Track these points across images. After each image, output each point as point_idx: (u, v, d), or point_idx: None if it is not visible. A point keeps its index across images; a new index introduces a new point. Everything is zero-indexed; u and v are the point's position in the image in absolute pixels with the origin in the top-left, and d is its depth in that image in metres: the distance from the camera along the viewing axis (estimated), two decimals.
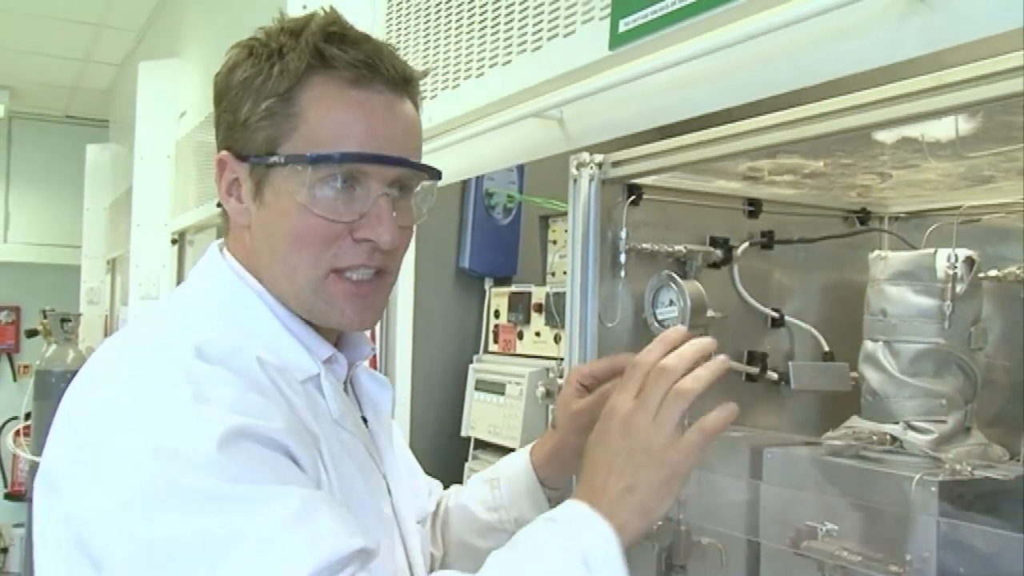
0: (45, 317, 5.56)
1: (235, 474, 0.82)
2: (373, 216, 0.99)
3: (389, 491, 1.10)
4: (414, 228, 1.08)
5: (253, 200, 1.02)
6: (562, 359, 1.51)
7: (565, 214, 1.50)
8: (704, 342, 1.00)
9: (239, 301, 1.03)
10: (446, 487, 1.40)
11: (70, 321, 5.28)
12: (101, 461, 0.85)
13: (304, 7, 1.08)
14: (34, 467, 4.64)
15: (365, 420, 1.14)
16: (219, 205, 1.08)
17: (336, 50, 0.98)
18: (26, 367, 7.16)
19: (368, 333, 1.19)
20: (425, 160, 1.06)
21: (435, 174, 1.07)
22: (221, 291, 1.05)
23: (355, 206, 0.99)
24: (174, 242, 4.02)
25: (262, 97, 0.99)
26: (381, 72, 0.99)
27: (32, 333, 6.09)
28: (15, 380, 7.24)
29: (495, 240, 2.48)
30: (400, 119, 1.02)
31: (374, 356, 2.16)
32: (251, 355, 0.94)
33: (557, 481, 1.29)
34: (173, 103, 3.99)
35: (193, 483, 0.81)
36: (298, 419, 0.94)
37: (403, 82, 1.02)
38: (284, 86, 0.98)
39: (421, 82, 1.10)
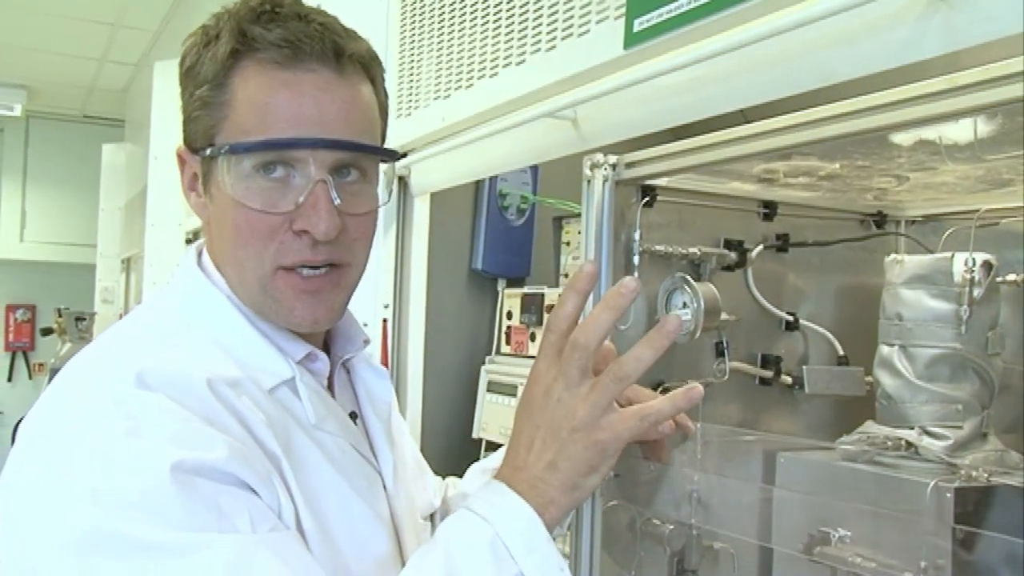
0: (60, 316, 5.62)
1: (167, 517, 0.79)
2: (309, 205, 0.93)
3: (385, 488, 1.06)
4: (378, 215, 1.03)
5: (206, 195, 0.99)
6: None
7: (579, 215, 1.49)
8: (622, 286, 0.91)
9: (206, 305, 1.00)
10: None
11: (84, 320, 5.33)
12: (34, 506, 0.82)
13: None
14: None
15: (357, 416, 1.10)
16: None
17: (260, 30, 0.93)
18: (41, 365, 7.22)
19: (360, 323, 1.15)
20: (440, 160, 1.04)
21: (384, 154, 1.01)
22: (189, 297, 1.01)
23: (291, 195, 0.93)
24: (188, 242, 4.03)
25: (196, 86, 0.95)
26: (305, 50, 0.93)
27: (47, 331, 6.15)
28: (30, 378, 7.30)
29: (508, 241, 2.47)
30: (336, 98, 0.95)
31: (385, 353, 2.15)
32: (199, 377, 0.89)
33: None
34: None
35: (123, 530, 0.78)
36: (253, 441, 0.89)
37: (335, 57, 0.95)
38: (212, 72, 0.94)
39: (430, 81, 1.07)
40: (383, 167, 1.03)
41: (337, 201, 0.94)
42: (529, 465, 0.89)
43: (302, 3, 0.98)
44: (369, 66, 1.00)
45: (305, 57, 0.93)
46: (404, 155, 1.01)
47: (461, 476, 1.43)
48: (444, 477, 1.40)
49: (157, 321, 1.00)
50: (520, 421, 0.93)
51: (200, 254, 1.05)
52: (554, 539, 0.90)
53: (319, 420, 0.99)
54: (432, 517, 1.27)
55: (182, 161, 1.01)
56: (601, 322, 0.90)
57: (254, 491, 0.85)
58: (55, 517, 0.80)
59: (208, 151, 0.95)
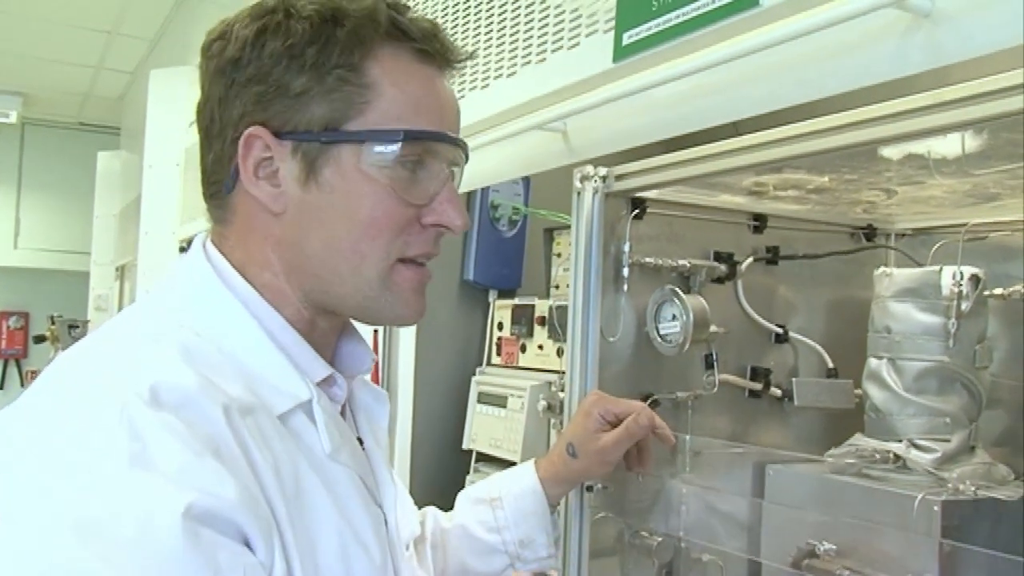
0: (53, 323, 5.60)
1: (161, 569, 0.69)
2: (444, 199, 0.93)
3: (386, 523, 0.98)
4: None
5: (302, 183, 0.89)
6: (564, 373, 1.50)
7: (570, 227, 1.49)
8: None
9: (219, 312, 0.91)
10: (446, 499, 1.38)
11: (78, 327, 5.31)
12: (9, 527, 0.71)
13: None
14: None
15: (361, 441, 1.02)
16: (209, 191, 0.95)
17: (408, 21, 0.91)
18: (33, 373, 7.19)
19: (370, 342, 1.12)
20: None
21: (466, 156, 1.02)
22: (192, 298, 0.92)
23: (428, 188, 0.92)
24: (182, 250, 4.02)
25: (325, 67, 0.88)
26: (447, 45, 0.94)
27: (40, 339, 6.13)
28: (23, 385, 7.27)
29: (499, 252, 2.47)
30: (454, 98, 0.97)
31: (376, 367, 2.15)
32: (216, 401, 0.79)
33: (559, 500, 1.29)
34: (183, 112, 4.00)
35: (107, 573, 0.68)
36: (258, 488, 0.80)
37: (460, 62, 0.97)
38: (353, 56, 0.88)
39: None
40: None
41: None
42: None
43: None
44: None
45: (446, 53, 0.94)
46: None
47: (450, 488, 1.43)
48: (440, 493, 1.38)
49: (158, 324, 0.89)
50: None
51: (205, 248, 0.95)
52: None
53: (334, 450, 0.91)
54: (414, 545, 1.18)
55: (250, 145, 0.90)
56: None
57: (250, 547, 0.77)
58: (22, 546, 0.69)
59: (342, 135, 0.89)
